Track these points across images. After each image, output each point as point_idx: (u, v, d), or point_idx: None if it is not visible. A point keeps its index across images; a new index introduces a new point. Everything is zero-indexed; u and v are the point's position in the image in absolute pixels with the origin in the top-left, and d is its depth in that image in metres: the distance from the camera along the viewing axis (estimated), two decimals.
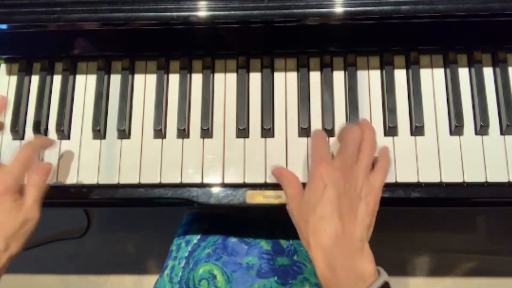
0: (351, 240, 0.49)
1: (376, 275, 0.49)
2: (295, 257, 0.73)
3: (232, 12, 0.60)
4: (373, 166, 0.57)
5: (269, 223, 0.77)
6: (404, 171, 0.63)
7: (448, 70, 0.66)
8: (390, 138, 0.64)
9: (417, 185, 0.63)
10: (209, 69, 0.68)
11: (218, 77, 0.69)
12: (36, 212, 0.57)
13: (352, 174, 0.52)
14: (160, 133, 0.66)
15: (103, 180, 0.65)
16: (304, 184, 0.59)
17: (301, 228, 0.52)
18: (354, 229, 0.50)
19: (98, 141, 0.67)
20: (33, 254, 1.25)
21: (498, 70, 0.65)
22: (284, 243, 0.74)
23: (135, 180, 0.65)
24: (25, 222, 0.55)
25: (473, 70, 0.66)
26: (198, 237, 0.76)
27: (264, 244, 0.73)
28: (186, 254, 0.75)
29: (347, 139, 0.55)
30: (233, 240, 0.74)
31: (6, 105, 0.62)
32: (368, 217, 0.51)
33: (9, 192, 0.55)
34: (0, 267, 0.53)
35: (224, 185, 0.64)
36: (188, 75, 0.69)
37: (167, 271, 0.75)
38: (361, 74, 0.67)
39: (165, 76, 0.68)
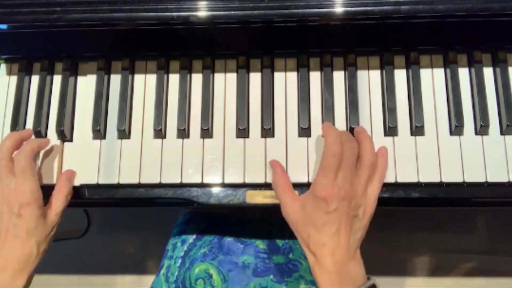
0: (346, 250, 0.54)
1: (365, 277, 0.54)
2: (290, 255, 0.73)
3: (232, 12, 0.60)
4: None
5: (264, 222, 0.77)
6: (404, 171, 0.63)
7: (448, 70, 0.66)
8: (390, 138, 0.64)
9: (417, 185, 0.63)
10: (209, 69, 0.68)
11: (218, 77, 0.69)
12: (60, 217, 0.62)
13: (352, 192, 0.55)
14: (160, 133, 0.66)
15: (103, 180, 0.65)
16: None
17: (301, 235, 0.56)
18: (349, 241, 0.54)
19: (98, 141, 0.67)
20: None
21: (498, 70, 0.65)
22: (279, 241, 0.75)
23: (135, 180, 0.65)
24: (52, 228, 0.60)
25: (473, 70, 0.66)
26: (194, 236, 0.76)
27: (260, 243, 0.73)
28: (182, 254, 0.75)
29: (346, 153, 0.56)
30: (228, 239, 0.74)
31: None
32: (361, 230, 0.56)
33: (35, 202, 0.57)
34: (31, 272, 0.58)
35: (224, 185, 0.64)
36: (188, 75, 0.69)
37: (163, 271, 0.75)
38: (361, 74, 0.67)
39: (165, 76, 0.68)
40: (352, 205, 0.54)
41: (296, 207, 0.56)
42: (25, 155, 0.59)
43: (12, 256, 0.57)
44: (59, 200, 0.61)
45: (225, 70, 0.69)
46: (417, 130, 0.64)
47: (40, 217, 0.58)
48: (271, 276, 0.70)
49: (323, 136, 0.62)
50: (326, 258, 0.53)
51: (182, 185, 0.65)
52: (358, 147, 0.58)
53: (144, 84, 0.69)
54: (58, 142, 0.67)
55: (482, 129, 0.63)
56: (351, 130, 0.64)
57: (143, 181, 0.65)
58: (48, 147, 0.66)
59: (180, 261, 0.74)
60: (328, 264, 0.53)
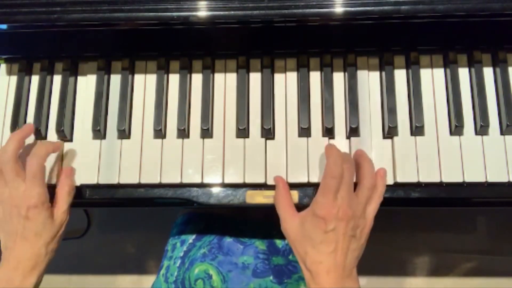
0: (342, 269, 0.54)
1: None
2: (290, 257, 0.73)
3: (232, 12, 0.60)
4: None
5: (264, 224, 0.77)
6: (404, 171, 0.63)
7: (448, 70, 0.66)
8: (390, 138, 0.64)
9: (417, 185, 0.63)
10: (209, 69, 0.68)
11: (218, 77, 0.69)
12: (67, 215, 0.62)
13: (350, 213, 0.55)
14: (160, 133, 0.66)
15: (103, 180, 0.65)
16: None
17: (299, 252, 0.57)
18: (346, 260, 0.55)
19: (98, 141, 0.67)
20: None
21: (498, 70, 0.65)
22: (279, 243, 0.75)
23: (135, 180, 0.65)
24: (61, 226, 0.61)
25: (473, 70, 0.66)
26: (194, 237, 0.76)
27: (260, 244, 0.73)
28: (182, 254, 0.75)
29: (345, 175, 0.56)
30: (228, 240, 0.74)
31: None
32: (358, 250, 0.56)
33: (42, 205, 0.58)
34: (42, 270, 0.59)
35: (224, 185, 0.64)
36: (188, 75, 0.69)
37: (162, 271, 0.75)
38: (361, 74, 0.67)
39: (165, 76, 0.68)
40: (350, 225, 0.55)
41: (295, 224, 0.57)
42: (37, 160, 0.59)
43: (23, 256, 0.58)
44: (62, 199, 0.62)
45: (225, 70, 0.69)
46: (417, 130, 0.64)
47: (47, 218, 0.59)
48: (271, 277, 0.70)
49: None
50: (321, 276, 0.54)
51: (182, 185, 0.65)
52: (358, 168, 0.59)
53: (144, 84, 0.69)
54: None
55: (482, 129, 0.63)
56: (351, 130, 0.64)
57: (143, 181, 0.65)
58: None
59: (179, 261, 0.74)
60: (323, 282, 0.53)
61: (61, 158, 0.67)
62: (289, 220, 0.58)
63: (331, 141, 0.65)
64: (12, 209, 0.58)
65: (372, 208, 0.58)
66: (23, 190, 0.58)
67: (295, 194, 0.63)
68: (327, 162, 0.57)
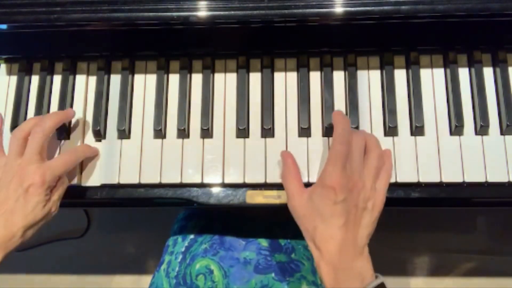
0: (353, 246, 0.52)
1: (373, 276, 0.52)
2: (292, 255, 0.73)
3: (232, 12, 0.60)
4: None
5: (267, 222, 0.77)
6: (404, 171, 0.63)
7: (448, 70, 0.66)
8: (390, 138, 0.64)
9: (417, 185, 0.63)
10: (209, 69, 0.68)
11: (218, 77, 0.69)
12: (57, 207, 0.61)
13: (361, 184, 0.53)
14: (160, 133, 0.66)
15: (103, 180, 0.65)
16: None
17: (307, 229, 0.54)
18: (357, 236, 0.52)
19: (98, 141, 0.67)
20: (33, 254, 1.25)
21: (498, 70, 0.65)
22: (282, 241, 0.74)
23: (135, 180, 0.65)
24: (46, 216, 0.59)
25: (473, 70, 0.66)
26: (195, 232, 0.76)
27: (262, 241, 0.73)
28: (183, 249, 0.74)
29: (354, 143, 0.55)
30: (230, 235, 0.74)
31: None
32: (371, 226, 0.54)
33: (44, 186, 0.57)
34: (9, 251, 0.56)
35: (224, 185, 0.64)
36: (188, 75, 0.69)
37: (163, 266, 0.75)
38: (361, 74, 0.67)
39: (165, 76, 0.68)
40: (361, 196, 0.53)
41: (303, 199, 0.55)
42: (77, 153, 0.62)
43: None
44: (58, 190, 0.61)
45: (225, 70, 0.69)
46: (417, 130, 0.64)
47: (41, 202, 0.57)
48: (273, 274, 0.70)
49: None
50: (332, 253, 0.51)
51: (182, 185, 0.65)
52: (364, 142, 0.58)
53: (144, 84, 0.69)
54: (57, 142, 0.67)
55: (482, 129, 0.63)
56: None
57: (143, 181, 0.65)
58: (48, 146, 0.66)
59: (181, 256, 0.74)
60: (334, 260, 0.50)
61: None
62: (296, 196, 0.56)
63: (331, 140, 0.65)
64: (15, 178, 0.57)
65: (383, 182, 0.56)
66: (35, 167, 0.57)
67: None
68: (335, 129, 0.55)
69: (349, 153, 0.54)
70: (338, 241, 0.51)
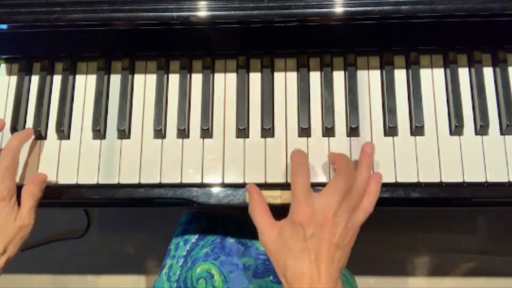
0: (326, 282, 0.50)
1: None
2: None
3: (232, 12, 0.60)
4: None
5: None
6: (404, 171, 0.63)
7: (448, 70, 0.66)
8: (390, 138, 0.64)
9: (417, 185, 0.63)
10: (209, 69, 0.68)
11: (218, 77, 0.69)
12: (31, 219, 0.61)
13: (334, 220, 0.51)
14: (160, 133, 0.66)
15: (103, 180, 0.65)
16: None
17: (279, 265, 0.52)
18: (329, 272, 0.50)
19: (98, 141, 0.67)
20: (33, 254, 1.25)
21: (498, 70, 0.65)
22: None
23: (135, 180, 0.65)
24: (21, 228, 0.59)
25: (473, 70, 0.66)
26: (197, 236, 0.76)
27: (260, 245, 0.73)
28: (184, 253, 0.75)
29: (337, 182, 0.53)
30: (230, 240, 0.74)
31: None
32: (342, 260, 0.52)
33: (4, 199, 0.58)
34: None
35: (224, 185, 0.64)
36: (188, 75, 0.69)
37: (165, 270, 0.75)
38: (361, 74, 0.67)
39: (165, 76, 0.68)
40: (332, 233, 0.51)
41: (274, 235, 0.53)
42: (12, 153, 0.60)
43: None
44: (25, 201, 0.60)
45: (225, 70, 0.69)
46: (417, 130, 0.64)
47: (9, 215, 0.58)
48: (271, 277, 0.70)
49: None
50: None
51: (182, 185, 0.65)
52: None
53: (144, 84, 0.69)
54: (58, 142, 0.67)
55: (482, 129, 0.63)
56: (351, 130, 0.64)
57: (143, 181, 0.65)
58: (46, 147, 0.66)
59: (182, 260, 0.74)
60: None
61: (60, 158, 0.66)
62: (266, 232, 0.54)
63: (331, 140, 0.65)
64: None
65: (360, 217, 0.54)
66: None
67: None
68: (292, 162, 0.55)
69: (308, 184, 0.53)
70: (309, 277, 0.49)
